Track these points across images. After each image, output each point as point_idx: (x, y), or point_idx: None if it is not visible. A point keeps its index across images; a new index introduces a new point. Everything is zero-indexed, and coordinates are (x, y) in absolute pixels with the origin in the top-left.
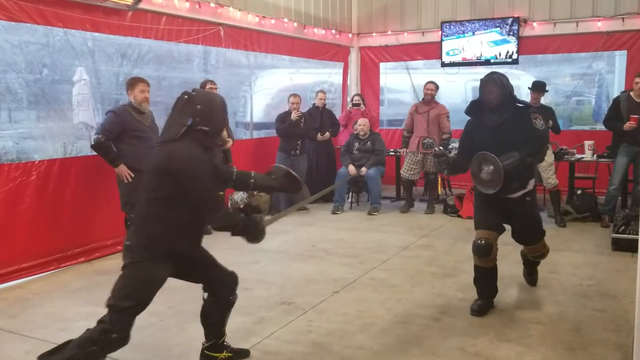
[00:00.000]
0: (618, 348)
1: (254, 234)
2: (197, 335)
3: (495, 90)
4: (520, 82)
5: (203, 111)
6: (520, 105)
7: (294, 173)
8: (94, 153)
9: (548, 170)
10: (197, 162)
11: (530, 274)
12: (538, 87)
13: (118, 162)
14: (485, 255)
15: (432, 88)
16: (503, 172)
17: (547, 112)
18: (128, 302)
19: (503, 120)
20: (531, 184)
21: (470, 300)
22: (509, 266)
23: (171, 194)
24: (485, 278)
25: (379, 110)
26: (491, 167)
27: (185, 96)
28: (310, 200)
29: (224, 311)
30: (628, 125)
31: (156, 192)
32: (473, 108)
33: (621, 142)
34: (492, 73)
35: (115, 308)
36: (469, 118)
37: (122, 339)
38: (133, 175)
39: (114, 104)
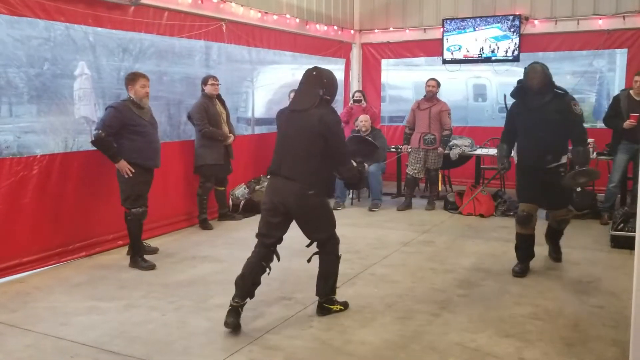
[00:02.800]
0: (616, 344)
1: (363, 183)
2: (198, 330)
3: (537, 76)
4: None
5: (328, 83)
6: (559, 91)
7: (368, 138)
8: (95, 148)
9: None
10: (340, 125)
11: (556, 252)
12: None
13: (118, 157)
14: (525, 223)
15: (433, 85)
16: (589, 169)
17: None
18: (333, 227)
19: (544, 102)
20: (564, 158)
21: (470, 296)
22: (509, 263)
23: (322, 151)
24: (525, 244)
25: (380, 106)
26: (584, 179)
27: (314, 72)
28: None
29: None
30: (628, 123)
31: (310, 150)
32: (517, 92)
33: (621, 140)
34: (535, 63)
35: (331, 235)
36: (512, 103)
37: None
38: (133, 171)
39: (115, 99)
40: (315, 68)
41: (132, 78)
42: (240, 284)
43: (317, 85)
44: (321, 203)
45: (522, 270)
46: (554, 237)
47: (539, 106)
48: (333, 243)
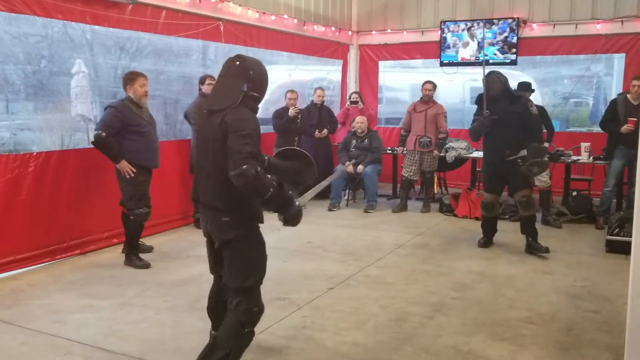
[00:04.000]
0: (610, 349)
1: (288, 211)
2: (192, 329)
3: (495, 86)
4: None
5: (255, 77)
6: (515, 95)
7: (305, 152)
8: (91, 146)
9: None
10: (247, 121)
11: (534, 243)
12: (523, 87)
13: (119, 158)
14: (489, 210)
15: (429, 88)
16: (540, 160)
17: (541, 110)
18: (253, 278)
19: (505, 104)
20: (521, 152)
21: (464, 299)
22: (503, 266)
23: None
24: (489, 224)
25: (377, 108)
26: (537, 169)
27: (237, 62)
28: (318, 188)
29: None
30: (626, 127)
31: (219, 162)
32: (479, 99)
33: (617, 145)
34: (491, 73)
35: (247, 288)
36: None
37: (262, 309)
38: (135, 171)
39: (112, 97)
40: (239, 57)
41: (131, 77)
42: (211, 315)
43: (241, 78)
44: (240, 237)
45: (485, 242)
46: (527, 227)
47: (499, 109)
48: (245, 302)
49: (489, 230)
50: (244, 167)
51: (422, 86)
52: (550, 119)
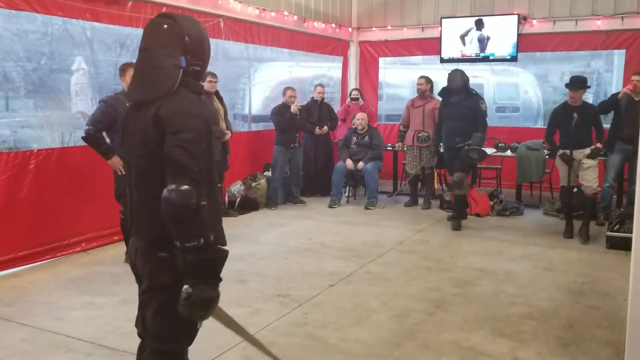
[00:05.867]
0: (610, 345)
1: (206, 288)
2: None
3: (456, 80)
4: (519, 79)
5: (193, 43)
6: (472, 91)
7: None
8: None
9: (592, 171)
10: (190, 115)
11: (455, 221)
12: (579, 83)
13: (110, 154)
14: (459, 187)
15: (421, 82)
16: (480, 148)
17: (593, 110)
18: (177, 340)
19: (460, 99)
20: (468, 143)
21: (465, 295)
22: (504, 262)
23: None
24: (460, 201)
25: (377, 105)
26: (476, 155)
27: (165, 25)
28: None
29: None
30: (626, 89)
31: (152, 173)
32: (443, 92)
33: (616, 140)
34: (455, 70)
35: (165, 352)
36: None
37: None
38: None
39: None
40: (167, 16)
41: (123, 69)
42: None
43: (175, 48)
44: (180, 282)
45: (459, 225)
46: (456, 204)
47: (456, 102)
48: None
49: (461, 207)
50: (184, 187)
51: (417, 81)
52: (601, 121)
